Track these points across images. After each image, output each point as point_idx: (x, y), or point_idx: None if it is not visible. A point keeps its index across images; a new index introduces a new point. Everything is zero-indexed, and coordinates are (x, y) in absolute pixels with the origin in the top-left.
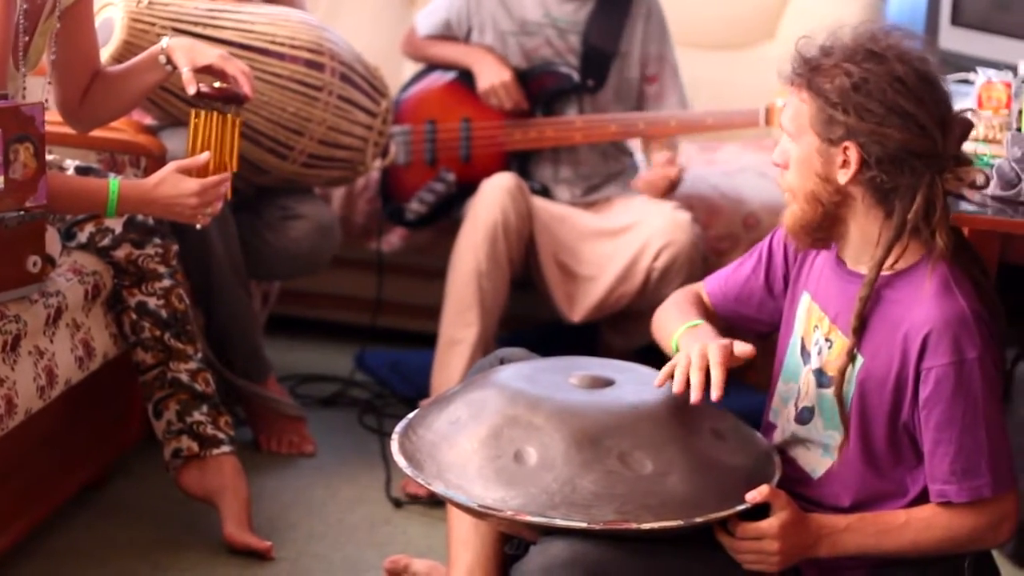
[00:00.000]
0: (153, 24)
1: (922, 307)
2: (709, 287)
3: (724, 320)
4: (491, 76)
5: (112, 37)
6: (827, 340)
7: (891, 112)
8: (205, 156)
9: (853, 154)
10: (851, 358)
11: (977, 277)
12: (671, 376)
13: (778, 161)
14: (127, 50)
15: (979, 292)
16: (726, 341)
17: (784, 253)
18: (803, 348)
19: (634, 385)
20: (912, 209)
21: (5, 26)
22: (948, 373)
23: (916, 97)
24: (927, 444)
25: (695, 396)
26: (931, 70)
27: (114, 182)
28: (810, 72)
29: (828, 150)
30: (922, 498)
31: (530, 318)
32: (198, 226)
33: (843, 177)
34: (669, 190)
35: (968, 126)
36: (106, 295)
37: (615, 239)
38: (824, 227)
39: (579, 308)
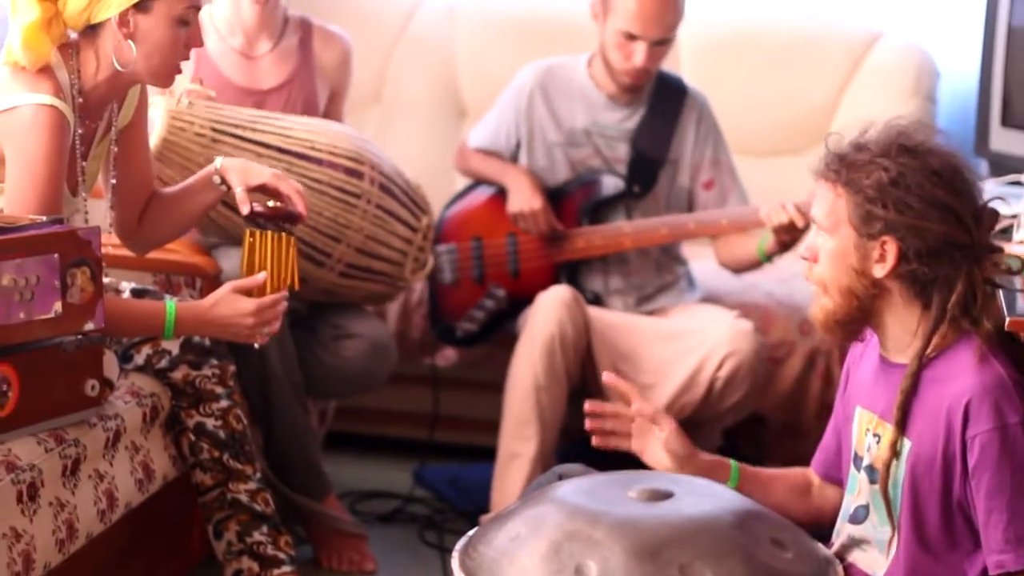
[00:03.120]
0: (192, 123)
1: (960, 379)
2: (813, 465)
3: (834, 484)
4: (522, 201)
5: (152, 135)
6: (875, 436)
7: (930, 205)
8: (262, 276)
9: (891, 248)
10: (895, 451)
11: (1018, 354)
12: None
13: (806, 255)
14: (166, 147)
15: (1018, 363)
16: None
17: (846, 375)
18: (856, 456)
19: (693, 496)
20: (951, 300)
21: (60, 151)
22: (992, 438)
23: (953, 189)
24: (980, 515)
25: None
26: (962, 163)
27: (171, 304)
28: (845, 168)
29: (865, 244)
30: None
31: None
32: (256, 346)
33: (880, 271)
34: (793, 232)
35: (996, 216)
36: (164, 417)
37: (675, 342)
38: (858, 320)
39: None
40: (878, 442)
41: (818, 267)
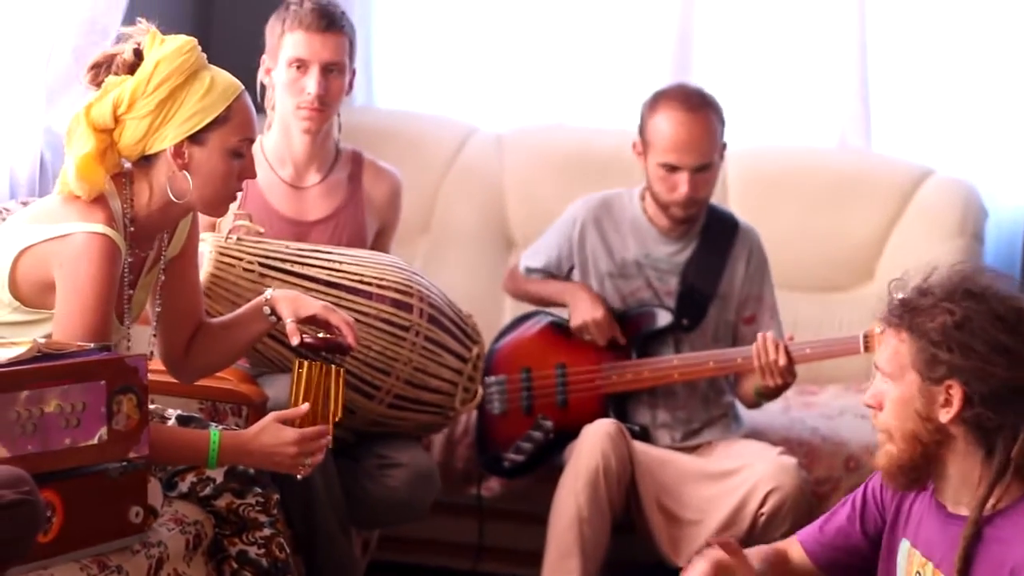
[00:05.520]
0: (240, 258)
1: None
2: (802, 538)
3: (820, 570)
4: (584, 312)
5: (200, 270)
6: None
7: (995, 350)
8: (304, 407)
9: (956, 392)
10: None
11: None
12: None
13: (871, 403)
14: (214, 283)
15: None
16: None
17: (877, 499)
18: None
19: None
20: (1016, 447)
21: (110, 280)
22: None
23: (1019, 334)
24: None
25: None
26: None
27: (215, 433)
28: (909, 313)
29: (930, 389)
30: None
31: (631, 562)
32: (299, 476)
33: (945, 416)
34: (783, 375)
35: None
36: (207, 544)
37: (719, 482)
38: (921, 467)
39: (685, 553)
40: None
41: (883, 415)
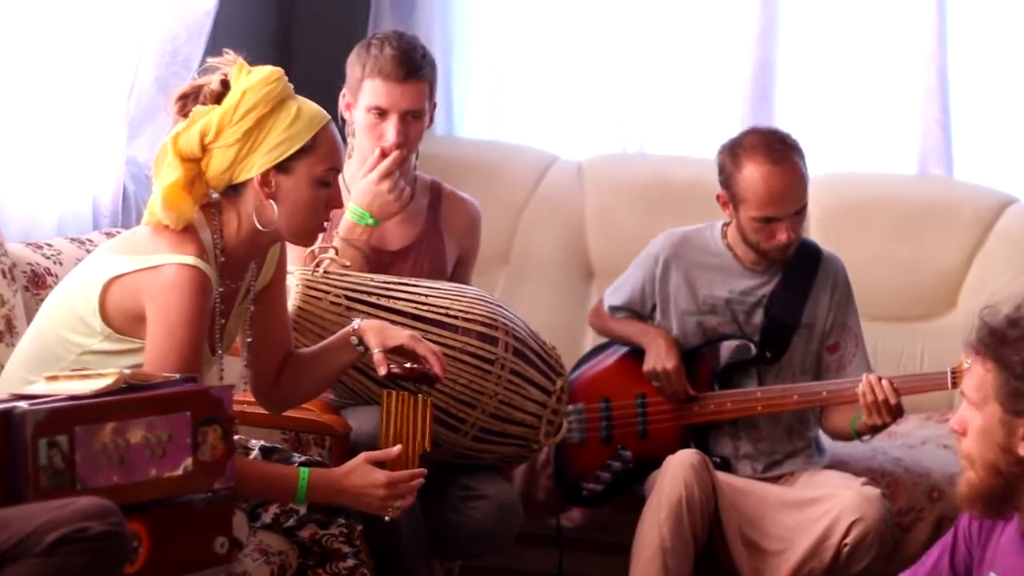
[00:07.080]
0: (327, 292)
1: None
2: None
3: None
4: (656, 360)
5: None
6: None
7: None
8: (396, 449)
9: None
10: None
11: None
12: None
13: (956, 428)
14: (301, 316)
15: None
16: None
17: (967, 536)
18: None
19: None
20: None
21: (201, 313)
22: None
23: None
24: None
25: None
26: None
27: (304, 471)
28: (996, 343)
29: (1012, 421)
30: None
31: None
32: (387, 518)
33: None
34: (891, 414)
35: None
36: (292, 575)
37: (802, 511)
38: (1001, 497)
39: None
40: None
41: (966, 441)
